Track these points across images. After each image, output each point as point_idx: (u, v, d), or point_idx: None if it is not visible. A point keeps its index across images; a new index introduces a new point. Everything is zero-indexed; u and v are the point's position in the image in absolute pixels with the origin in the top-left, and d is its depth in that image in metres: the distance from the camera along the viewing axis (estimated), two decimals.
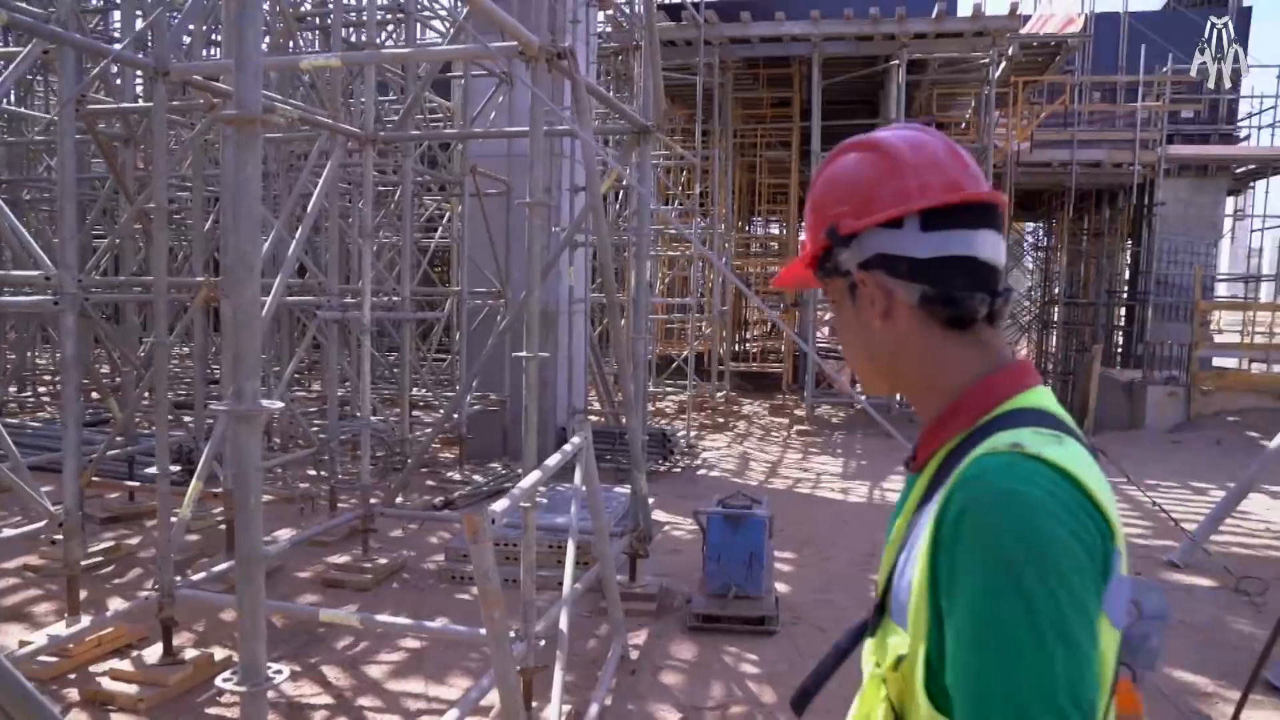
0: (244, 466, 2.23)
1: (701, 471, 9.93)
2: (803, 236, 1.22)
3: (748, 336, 24.82)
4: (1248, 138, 19.68)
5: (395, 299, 7.92)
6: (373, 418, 9.41)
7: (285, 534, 6.83)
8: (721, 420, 13.77)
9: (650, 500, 7.67)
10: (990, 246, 1.07)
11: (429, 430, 7.59)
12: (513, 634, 3.69)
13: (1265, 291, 20.45)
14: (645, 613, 5.26)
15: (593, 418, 11.33)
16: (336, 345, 6.48)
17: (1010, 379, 1.06)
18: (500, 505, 2.88)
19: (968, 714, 0.87)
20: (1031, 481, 0.90)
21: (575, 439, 4.08)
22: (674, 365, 14.97)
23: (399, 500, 7.73)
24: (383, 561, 5.98)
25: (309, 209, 5.24)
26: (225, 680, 2.40)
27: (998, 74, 13.79)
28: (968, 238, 1.05)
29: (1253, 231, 20.44)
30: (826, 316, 21.10)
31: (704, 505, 5.38)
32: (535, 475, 3.37)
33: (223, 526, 5.95)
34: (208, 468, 4.81)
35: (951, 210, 1.05)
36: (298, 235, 5.14)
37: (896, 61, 12.98)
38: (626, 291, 9.97)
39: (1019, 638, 0.84)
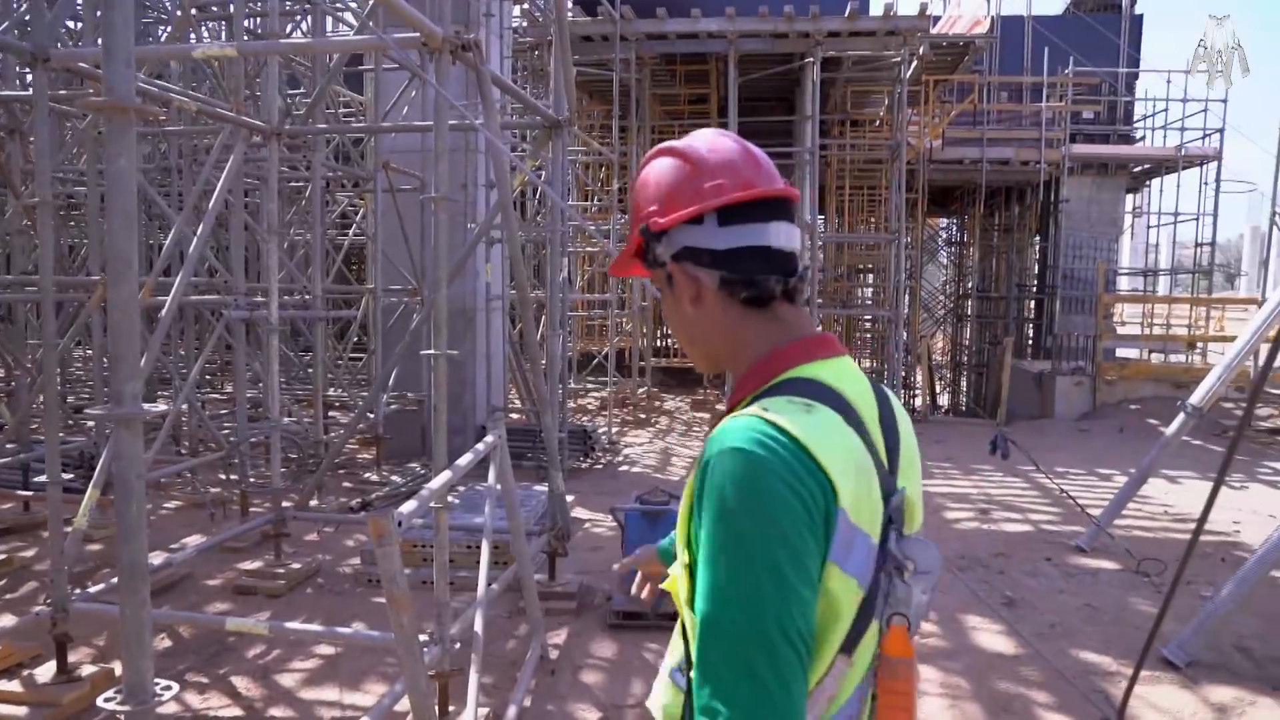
0: (125, 473, 2.12)
1: (623, 468, 9.92)
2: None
3: (669, 332, 24.91)
4: (1143, 138, 20.50)
5: (307, 297, 7.70)
6: (286, 419, 9.19)
7: (195, 540, 6.60)
8: (643, 416, 13.78)
9: (570, 498, 7.63)
10: (783, 235, 1.21)
11: (343, 431, 7.39)
12: (426, 637, 3.61)
13: (1162, 285, 21.27)
14: (565, 611, 5.21)
15: (514, 415, 11.23)
16: (245, 345, 6.27)
17: (800, 350, 1.20)
18: (408, 507, 2.81)
19: (698, 633, 1.02)
20: (760, 443, 1.03)
21: (489, 437, 4.01)
22: (595, 362, 14.95)
23: (315, 501, 7.54)
24: (296, 566, 5.81)
25: (211, 204, 5.05)
26: (108, 700, 2.28)
27: (909, 73, 14.06)
28: (760, 230, 1.19)
29: (1149, 228, 21.27)
30: None
31: (623, 502, 5.36)
32: (445, 475, 3.29)
33: None
34: (105, 473, 4.60)
35: (744, 206, 1.19)
36: (199, 232, 4.95)
37: (811, 59, 13.14)
38: (547, 288, 9.88)
39: (736, 574, 0.99)
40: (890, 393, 1.28)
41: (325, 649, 4.73)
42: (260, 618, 5.07)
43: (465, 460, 3.56)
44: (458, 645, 3.74)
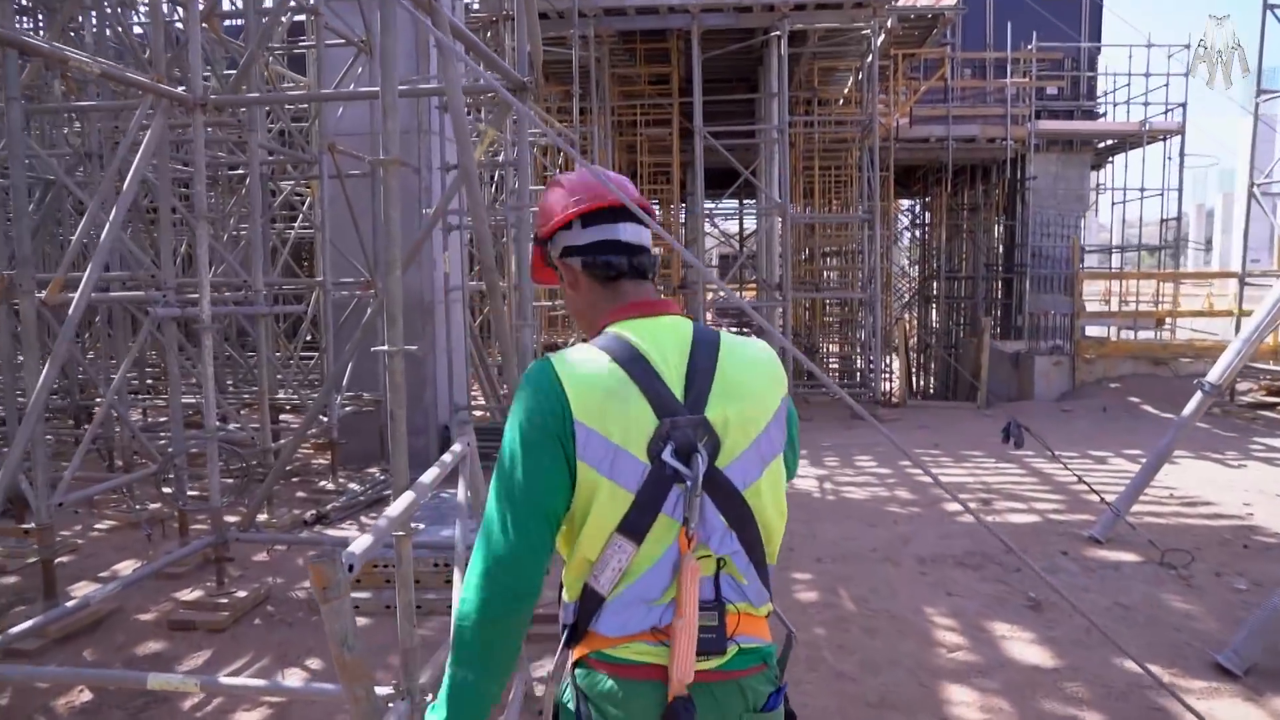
0: None
1: None
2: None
3: None
4: (1104, 114, 20.27)
5: (249, 292, 7.01)
6: (231, 425, 8.48)
7: (128, 566, 5.93)
8: None
9: None
10: (629, 232, 1.66)
11: (291, 439, 6.70)
12: (391, 690, 3.03)
13: (1118, 260, 21.09)
14: (550, 636, 4.59)
15: (478, 412, 10.60)
16: (178, 346, 5.60)
17: (616, 313, 1.60)
18: (360, 545, 2.22)
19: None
20: (535, 369, 1.52)
21: (456, 446, 3.42)
22: None
23: (265, 515, 6.88)
24: (241, 594, 5.15)
25: (125, 186, 4.38)
26: None
27: (877, 45, 13.58)
28: (611, 228, 1.65)
29: (1114, 205, 21.06)
30: (709, 298, 20.77)
31: None
32: (407, 498, 2.71)
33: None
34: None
35: (598, 213, 1.65)
36: (112, 217, 4.29)
37: (777, 32, 12.60)
38: (508, 277, 9.24)
39: (501, 453, 1.51)
40: (730, 343, 1.59)
41: (274, 695, 4.12)
42: (197, 660, 4.44)
43: (430, 477, 2.98)
44: (430, 696, 3.15)
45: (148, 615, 5.02)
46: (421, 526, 5.39)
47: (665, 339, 1.54)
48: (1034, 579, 5.49)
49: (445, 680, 1.50)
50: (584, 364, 1.49)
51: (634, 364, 1.48)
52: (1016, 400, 14.04)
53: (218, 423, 8.17)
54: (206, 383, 5.05)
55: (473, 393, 11.00)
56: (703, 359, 1.53)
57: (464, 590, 1.47)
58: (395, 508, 2.65)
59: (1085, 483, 6.40)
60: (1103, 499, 6.17)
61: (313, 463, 9.35)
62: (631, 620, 1.44)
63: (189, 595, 5.19)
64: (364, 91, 5.13)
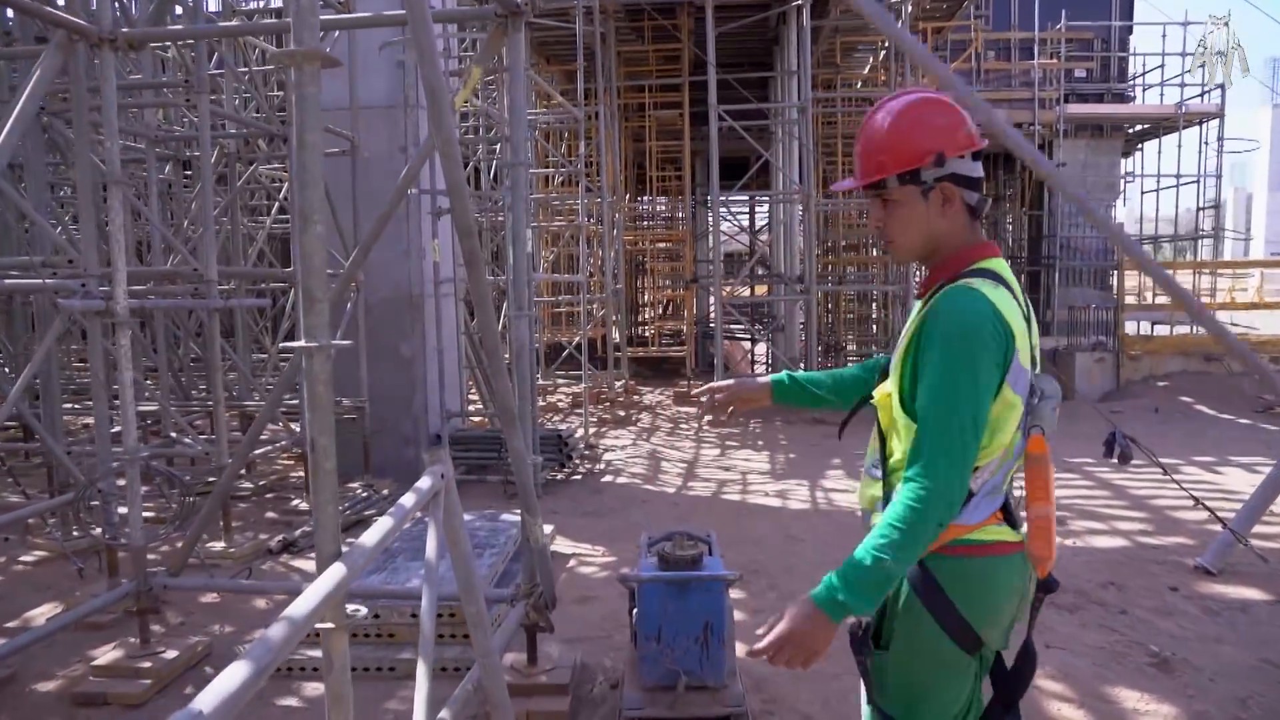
0: None
1: (607, 478, 8.32)
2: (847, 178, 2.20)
3: (640, 320, 23.33)
4: (1135, 98, 19.27)
5: (200, 284, 6.00)
6: (186, 439, 7.47)
7: (46, 612, 4.93)
8: (622, 413, 12.18)
9: (548, 528, 6.03)
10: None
11: (234, 460, 5.60)
12: None
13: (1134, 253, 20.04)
14: (554, 714, 3.60)
15: (475, 419, 9.60)
16: (101, 345, 4.60)
17: (983, 249, 1.83)
18: (219, 690, 1.21)
19: (919, 423, 1.71)
20: (970, 300, 1.72)
21: (424, 480, 2.40)
22: (565, 354, 13.35)
23: (220, 544, 5.89)
24: (170, 655, 4.12)
25: (8, 126, 3.39)
26: None
27: (904, 18, 12.54)
28: (979, 165, 1.84)
29: (1144, 194, 20.01)
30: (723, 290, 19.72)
31: (633, 563, 3.78)
32: (334, 575, 1.70)
33: None
34: None
35: (979, 150, 1.84)
36: None
37: (798, 2, 11.57)
38: (511, 266, 8.25)
39: (953, 373, 1.68)
40: None
41: None
42: None
43: (377, 535, 1.97)
44: None
45: (50, 684, 4.01)
46: (397, 546, 4.36)
47: (1012, 277, 1.82)
48: (1145, 625, 4.48)
49: (874, 573, 1.64)
50: (1007, 301, 1.74)
51: (1018, 299, 1.78)
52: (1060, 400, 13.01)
53: (172, 435, 7.19)
54: (124, 390, 4.05)
55: (470, 395, 10.01)
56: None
57: (916, 501, 1.64)
58: (313, 592, 1.63)
59: (1205, 506, 5.36)
60: (1224, 523, 5.14)
61: (290, 477, 8.37)
62: (987, 505, 1.76)
63: (106, 655, 4.16)
64: (334, 19, 4.13)
